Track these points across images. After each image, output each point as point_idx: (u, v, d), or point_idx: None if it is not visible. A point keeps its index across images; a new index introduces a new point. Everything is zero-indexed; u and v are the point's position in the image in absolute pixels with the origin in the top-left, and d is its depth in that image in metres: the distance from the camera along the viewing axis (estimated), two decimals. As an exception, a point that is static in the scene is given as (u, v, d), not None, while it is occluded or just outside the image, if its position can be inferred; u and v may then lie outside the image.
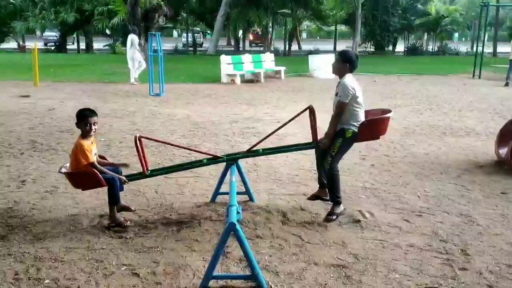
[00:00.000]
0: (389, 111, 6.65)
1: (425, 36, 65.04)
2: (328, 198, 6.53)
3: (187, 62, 35.62)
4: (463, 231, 6.07)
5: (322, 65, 26.04)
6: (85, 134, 6.07)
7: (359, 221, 6.36)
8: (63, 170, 6.16)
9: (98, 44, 56.84)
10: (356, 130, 6.21)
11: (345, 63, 6.25)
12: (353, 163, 8.91)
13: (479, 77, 26.02)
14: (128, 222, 6.26)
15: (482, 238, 5.88)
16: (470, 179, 8.21)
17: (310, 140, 6.70)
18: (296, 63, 32.30)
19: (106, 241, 5.71)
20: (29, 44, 47.68)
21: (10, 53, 46.30)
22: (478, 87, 22.35)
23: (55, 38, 53.55)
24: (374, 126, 6.46)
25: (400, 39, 60.64)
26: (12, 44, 55.34)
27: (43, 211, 6.61)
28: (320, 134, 6.54)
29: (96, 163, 6.07)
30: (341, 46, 61.67)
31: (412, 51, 53.78)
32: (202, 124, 12.87)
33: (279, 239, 5.81)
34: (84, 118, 6.05)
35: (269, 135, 6.80)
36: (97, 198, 7.03)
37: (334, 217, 6.23)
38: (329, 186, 6.35)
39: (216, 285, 4.72)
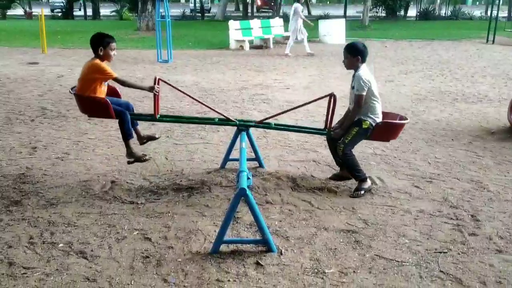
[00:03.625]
0: (406, 118, 6.55)
1: (438, 0, 64.37)
2: (351, 176, 6.52)
3: (195, 28, 35.50)
4: (473, 197, 6.13)
5: (332, 30, 25.90)
6: (105, 59, 6.11)
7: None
8: (76, 91, 6.17)
9: (105, 10, 56.60)
10: (374, 124, 6.20)
11: (357, 57, 6.23)
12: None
13: (493, 42, 25.83)
14: (147, 156, 6.39)
15: (492, 204, 5.94)
16: (481, 146, 8.25)
17: (323, 121, 6.67)
18: (306, 28, 32.06)
19: (118, 206, 5.80)
20: (36, 10, 47.56)
21: (17, 20, 46.20)
22: (492, 52, 22.20)
23: (62, 4, 53.38)
24: (389, 130, 6.42)
25: (412, 3, 60.01)
26: (18, 11, 55.15)
27: (55, 177, 6.71)
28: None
29: (103, 94, 6.14)
30: (352, 11, 61.25)
31: (424, 16, 53.22)
32: (211, 90, 12.92)
33: (289, 204, 5.89)
34: (108, 43, 6.08)
35: (287, 111, 6.81)
36: (108, 164, 7.14)
37: (362, 192, 6.21)
38: (348, 169, 6.38)
39: (227, 249, 4.80)
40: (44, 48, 20.73)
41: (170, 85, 6.72)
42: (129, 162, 6.40)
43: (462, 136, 8.82)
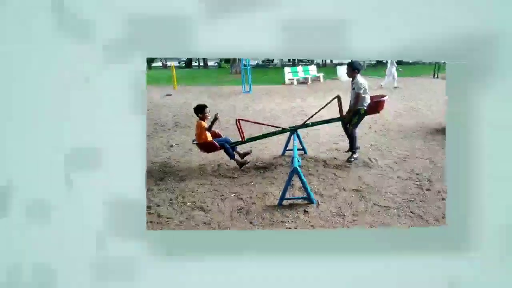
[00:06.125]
0: (385, 95, 6.65)
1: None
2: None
3: (263, 72, 35.51)
4: (429, 169, 6.09)
5: (345, 73, 25.25)
6: (204, 119, 6.31)
7: (368, 164, 6.46)
8: (196, 142, 6.44)
9: (210, 62, 55.73)
10: (366, 108, 6.32)
11: (355, 70, 6.30)
12: (363, 133, 8.80)
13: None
14: (247, 160, 6.50)
15: (439, 172, 5.88)
16: (431, 138, 8.00)
17: (337, 115, 6.74)
18: (330, 72, 31.58)
19: (222, 179, 5.98)
20: (169, 63, 46.53)
21: (157, 69, 46.00)
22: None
23: (185, 58, 52.57)
24: (377, 106, 6.49)
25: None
26: (158, 63, 54.61)
27: (184, 163, 6.90)
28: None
29: (210, 138, 6.34)
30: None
31: None
32: (274, 111, 12.94)
33: (322, 175, 5.96)
34: (203, 110, 6.30)
35: (314, 114, 6.85)
36: (215, 155, 7.16)
37: (352, 159, 6.45)
38: (350, 142, 6.56)
39: (287, 203, 4.93)
40: (175, 85, 20.96)
41: (246, 120, 6.99)
42: (240, 168, 6.40)
43: (421, 133, 8.66)
